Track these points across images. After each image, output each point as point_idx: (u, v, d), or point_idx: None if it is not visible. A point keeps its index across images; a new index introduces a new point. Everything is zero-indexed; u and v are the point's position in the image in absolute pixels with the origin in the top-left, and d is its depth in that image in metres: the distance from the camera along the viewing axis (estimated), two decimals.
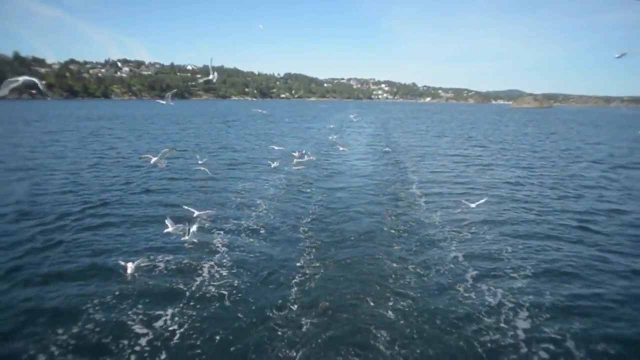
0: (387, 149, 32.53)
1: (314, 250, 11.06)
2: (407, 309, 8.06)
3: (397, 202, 16.29)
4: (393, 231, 12.74)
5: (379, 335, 7.23)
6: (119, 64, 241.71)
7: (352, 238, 11.99)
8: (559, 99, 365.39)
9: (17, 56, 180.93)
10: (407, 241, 11.91)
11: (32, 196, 15.95)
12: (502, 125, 67.63)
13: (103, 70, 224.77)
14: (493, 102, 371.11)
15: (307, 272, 9.68)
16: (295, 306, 8.09)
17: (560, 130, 57.93)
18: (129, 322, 7.47)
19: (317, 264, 10.13)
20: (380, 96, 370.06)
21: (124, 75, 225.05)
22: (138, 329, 7.28)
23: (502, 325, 7.60)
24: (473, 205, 14.34)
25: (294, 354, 6.69)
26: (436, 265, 10.16)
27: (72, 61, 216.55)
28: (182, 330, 7.27)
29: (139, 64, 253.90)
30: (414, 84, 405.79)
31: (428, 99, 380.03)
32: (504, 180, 20.94)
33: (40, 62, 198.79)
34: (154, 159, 12.33)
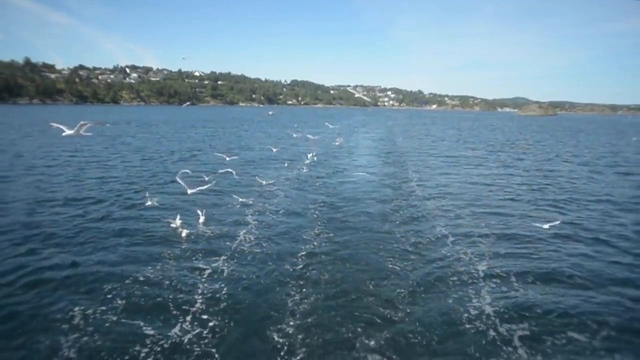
0: (390, 151, 34.80)
1: (322, 228, 13.42)
2: (404, 286, 9.41)
3: (397, 196, 18.54)
4: (392, 215, 15.11)
5: (373, 293, 9.37)
6: (128, 70, 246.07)
7: (354, 220, 14.37)
8: (565, 107, 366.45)
9: (28, 62, 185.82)
10: (406, 223, 14.25)
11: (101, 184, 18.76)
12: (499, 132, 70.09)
13: (112, 76, 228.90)
14: (499, 109, 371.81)
15: (315, 244, 11.89)
16: (303, 269, 10.19)
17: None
18: (192, 266, 10.07)
19: (325, 239, 12.44)
20: (386, 103, 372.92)
21: (133, 81, 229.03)
22: (201, 265, 9.99)
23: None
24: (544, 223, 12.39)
25: (300, 301, 8.62)
26: (432, 246, 11.95)
27: (81, 67, 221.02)
28: (227, 272, 9.75)
29: (147, 70, 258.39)
30: (420, 92, 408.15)
31: (434, 106, 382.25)
32: (498, 177, 23.24)
33: (51, 68, 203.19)
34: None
